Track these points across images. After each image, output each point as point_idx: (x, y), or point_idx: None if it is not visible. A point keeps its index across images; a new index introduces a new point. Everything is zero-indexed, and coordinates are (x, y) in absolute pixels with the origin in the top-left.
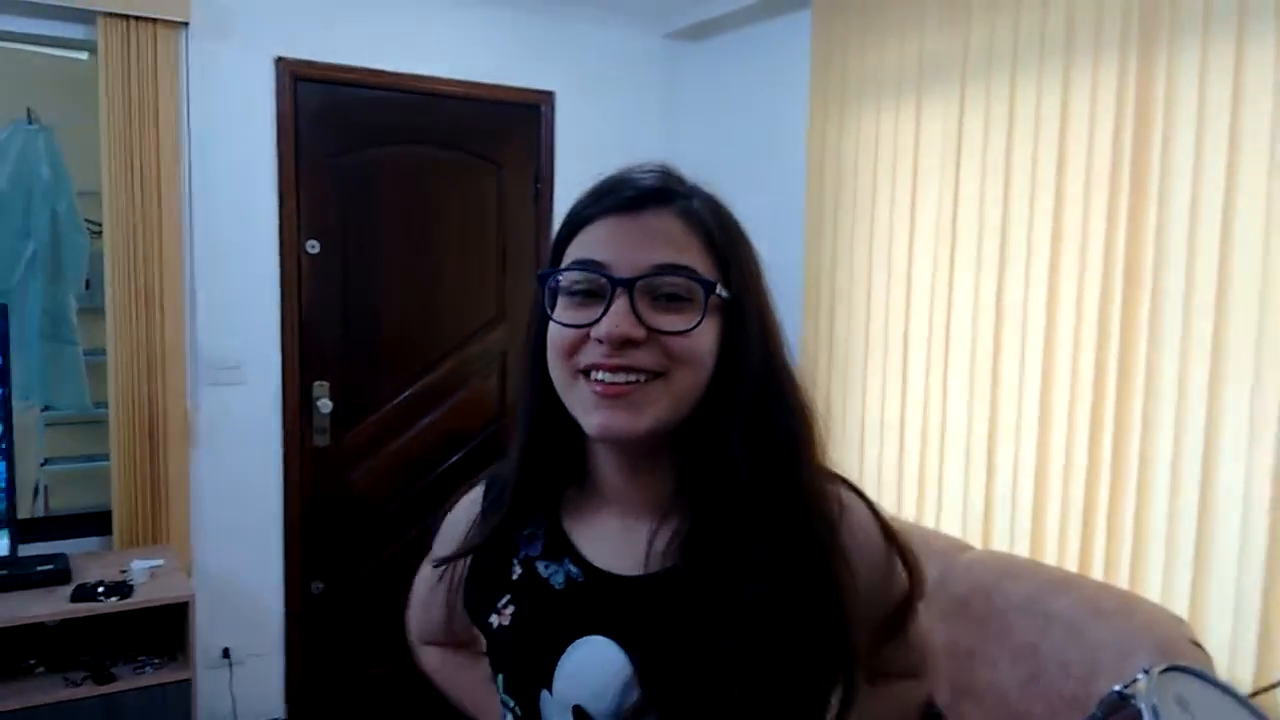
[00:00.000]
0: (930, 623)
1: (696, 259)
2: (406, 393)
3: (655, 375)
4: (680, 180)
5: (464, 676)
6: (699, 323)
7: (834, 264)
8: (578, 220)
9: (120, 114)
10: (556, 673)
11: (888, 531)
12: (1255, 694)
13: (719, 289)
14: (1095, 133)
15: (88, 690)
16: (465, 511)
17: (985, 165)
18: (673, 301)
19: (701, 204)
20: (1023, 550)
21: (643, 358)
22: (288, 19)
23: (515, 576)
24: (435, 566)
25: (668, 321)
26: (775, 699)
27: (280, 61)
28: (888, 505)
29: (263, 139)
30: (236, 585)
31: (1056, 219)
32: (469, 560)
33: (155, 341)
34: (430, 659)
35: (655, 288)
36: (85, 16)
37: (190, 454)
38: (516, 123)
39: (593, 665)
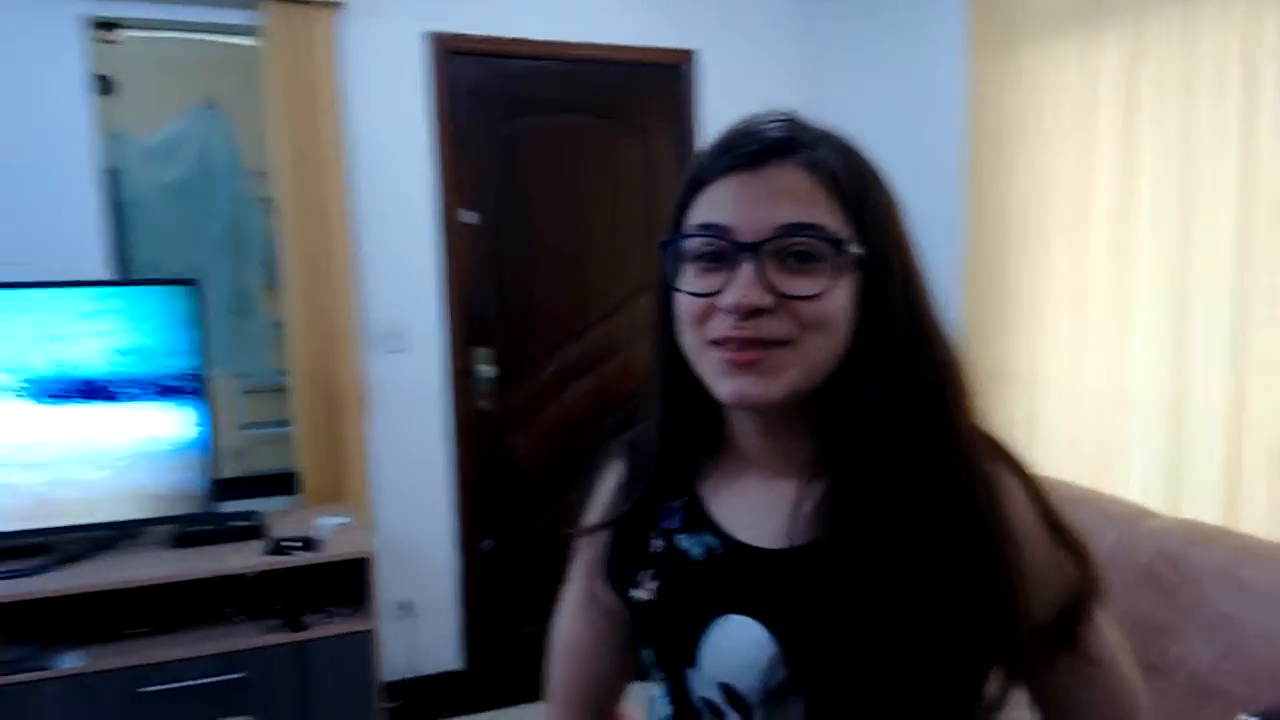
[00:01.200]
0: (1125, 655)
1: (825, 214)
2: (560, 359)
3: (786, 343)
4: (806, 128)
5: None
6: (830, 285)
7: (1001, 214)
8: (699, 179)
9: (284, 95)
10: (700, 650)
11: (1050, 516)
12: None
13: (851, 245)
14: None
15: (283, 637)
16: (609, 484)
17: (1165, 106)
18: (802, 263)
19: (831, 152)
20: (1214, 519)
21: (772, 326)
22: None
23: (657, 550)
24: (578, 536)
25: (797, 285)
26: (926, 681)
27: (431, 36)
28: (1061, 469)
29: (418, 113)
30: (414, 542)
31: (1246, 159)
32: (611, 533)
33: (328, 313)
34: None
35: (782, 250)
36: (250, 2)
37: (365, 419)
38: (659, 85)
39: (736, 644)
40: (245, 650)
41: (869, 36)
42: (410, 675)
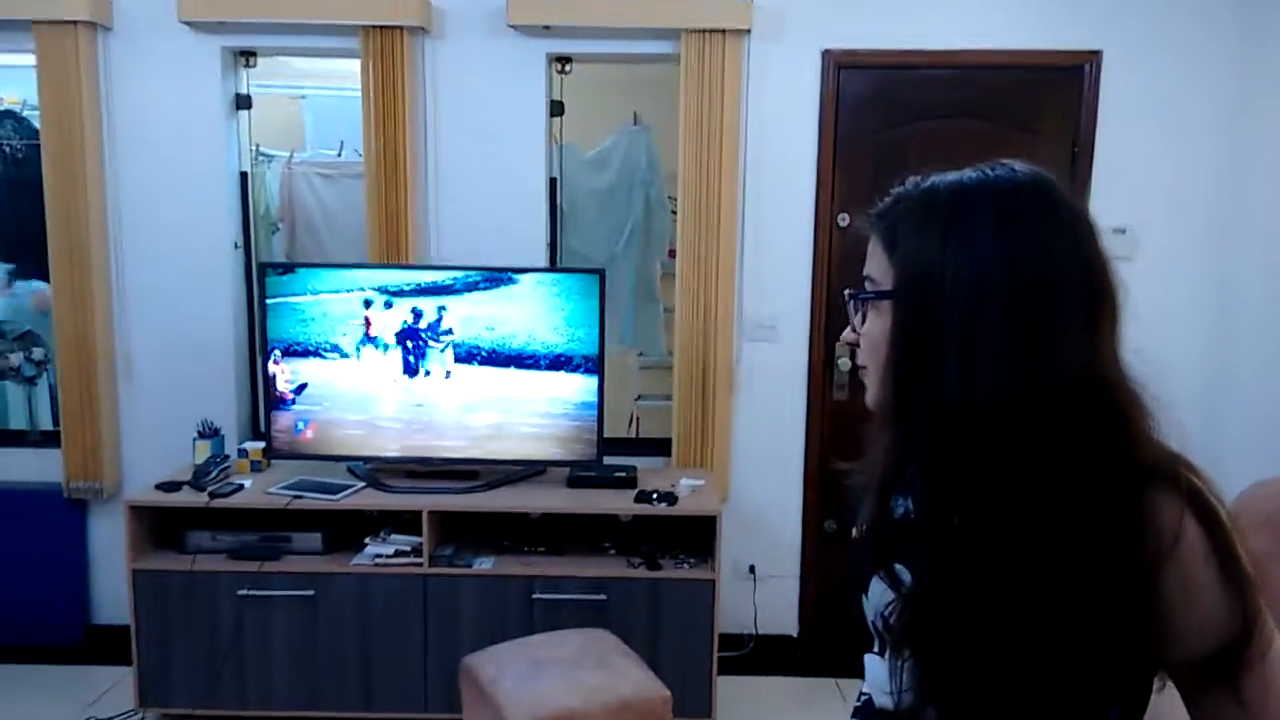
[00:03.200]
0: None
1: (874, 266)
2: None
3: (864, 367)
4: (898, 193)
5: None
6: (866, 323)
7: None
8: None
9: (694, 112)
10: (870, 585)
11: (1224, 555)
12: None
13: (876, 285)
14: None
15: (642, 573)
16: None
17: None
18: (863, 306)
19: (902, 206)
20: None
21: (859, 356)
22: (836, 14)
23: (894, 507)
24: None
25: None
26: (1021, 678)
27: (826, 53)
28: None
29: (806, 124)
30: (763, 513)
31: None
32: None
33: (710, 302)
34: None
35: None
36: (672, 35)
37: (732, 398)
38: (1056, 87)
39: (879, 589)
40: (612, 577)
41: None
42: (749, 631)
